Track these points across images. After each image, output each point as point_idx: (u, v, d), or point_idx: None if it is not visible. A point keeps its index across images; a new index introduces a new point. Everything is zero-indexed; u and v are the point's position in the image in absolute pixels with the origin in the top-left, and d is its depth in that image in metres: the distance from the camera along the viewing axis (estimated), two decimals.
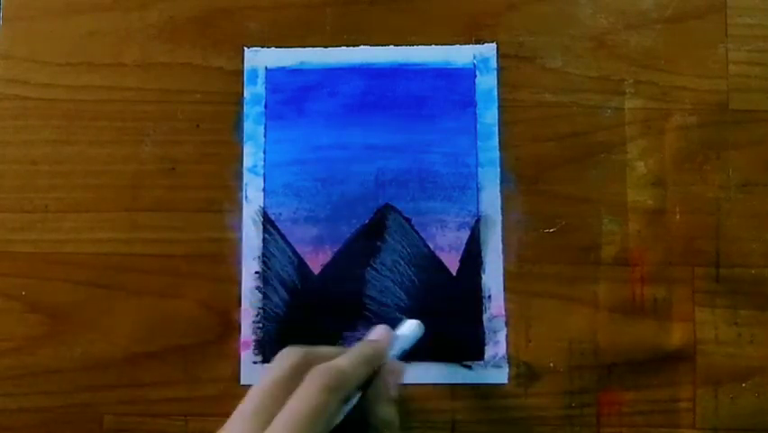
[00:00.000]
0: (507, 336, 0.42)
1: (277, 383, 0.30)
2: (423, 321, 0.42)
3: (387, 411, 0.33)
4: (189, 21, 0.45)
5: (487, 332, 0.43)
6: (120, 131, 0.44)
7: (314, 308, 0.43)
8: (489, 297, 0.43)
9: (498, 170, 0.43)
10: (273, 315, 0.43)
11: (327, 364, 0.31)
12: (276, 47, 0.45)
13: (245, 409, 0.30)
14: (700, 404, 0.42)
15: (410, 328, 0.38)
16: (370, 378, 0.34)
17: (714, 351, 0.42)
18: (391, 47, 0.45)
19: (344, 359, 0.32)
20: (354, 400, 0.33)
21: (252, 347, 0.42)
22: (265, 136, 0.44)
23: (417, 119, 0.44)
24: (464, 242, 0.43)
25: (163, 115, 0.44)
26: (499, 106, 0.44)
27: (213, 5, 0.45)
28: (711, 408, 0.42)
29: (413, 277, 0.43)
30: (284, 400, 0.30)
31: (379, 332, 0.36)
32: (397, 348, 0.37)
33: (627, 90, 0.44)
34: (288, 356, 0.32)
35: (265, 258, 0.43)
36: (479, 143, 0.44)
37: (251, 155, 0.44)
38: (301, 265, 0.43)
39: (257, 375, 0.42)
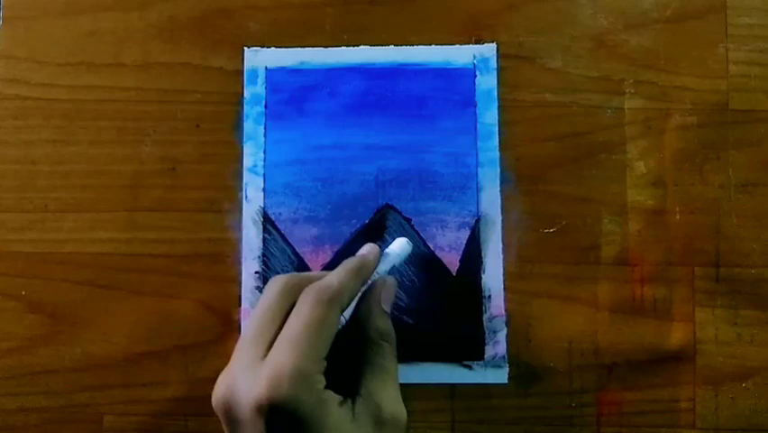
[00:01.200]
0: (507, 336, 0.42)
1: (272, 307, 0.32)
2: (423, 321, 0.42)
3: (381, 322, 0.35)
4: (189, 21, 0.45)
5: (487, 332, 0.43)
6: (120, 131, 0.44)
7: None
8: (489, 297, 0.43)
9: (498, 170, 0.43)
10: None
11: (317, 282, 0.33)
12: (276, 47, 0.45)
13: (246, 335, 0.32)
14: (700, 404, 0.42)
15: (399, 245, 0.39)
16: (364, 294, 0.35)
17: (714, 351, 0.42)
18: (391, 47, 0.45)
19: (333, 275, 0.34)
20: (347, 314, 0.34)
21: None
22: (265, 136, 0.44)
23: (417, 119, 0.44)
24: (464, 242, 0.43)
25: (163, 115, 0.44)
26: (499, 106, 0.44)
27: (213, 5, 0.45)
28: (711, 408, 0.42)
29: (413, 277, 0.43)
30: (281, 321, 0.31)
31: (366, 248, 0.37)
32: (386, 264, 0.38)
33: (627, 90, 0.44)
34: (277, 282, 0.33)
35: (265, 258, 0.43)
36: (479, 143, 0.44)
37: (251, 155, 0.44)
38: (301, 265, 0.43)
39: None
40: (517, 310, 0.43)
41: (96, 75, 0.45)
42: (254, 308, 0.33)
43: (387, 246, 0.39)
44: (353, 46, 0.45)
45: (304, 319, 0.31)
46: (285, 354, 0.30)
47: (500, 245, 0.43)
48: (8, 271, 0.43)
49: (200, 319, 0.43)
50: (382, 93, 0.44)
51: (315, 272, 0.35)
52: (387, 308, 0.35)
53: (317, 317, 0.31)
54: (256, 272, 0.43)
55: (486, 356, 0.42)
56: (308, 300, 0.32)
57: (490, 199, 0.43)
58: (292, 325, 0.31)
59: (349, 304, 0.34)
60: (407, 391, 0.42)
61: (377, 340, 0.34)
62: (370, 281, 0.36)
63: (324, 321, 0.31)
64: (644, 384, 0.42)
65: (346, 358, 0.33)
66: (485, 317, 0.43)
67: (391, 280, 0.37)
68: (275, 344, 0.31)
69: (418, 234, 0.43)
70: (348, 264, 0.35)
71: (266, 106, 0.44)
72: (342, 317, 0.33)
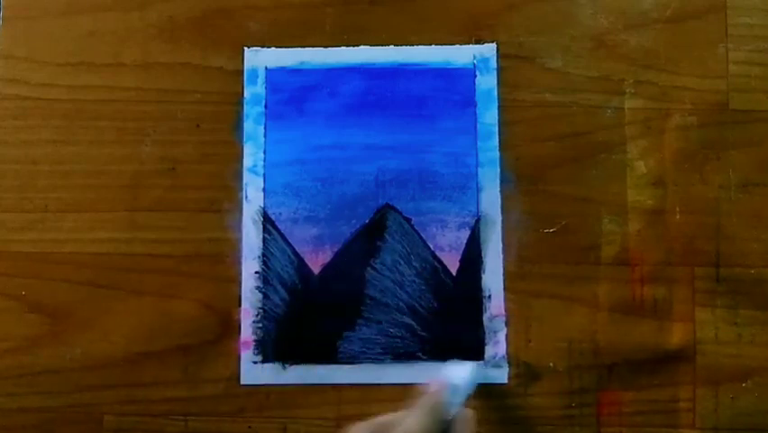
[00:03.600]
0: (507, 336, 0.42)
1: None
2: (423, 321, 0.42)
3: None
4: (189, 21, 0.45)
5: (487, 332, 0.42)
6: (120, 131, 0.44)
7: (314, 308, 0.43)
8: (489, 297, 0.43)
9: (498, 170, 0.43)
10: (273, 315, 0.43)
11: (398, 429, 0.33)
12: (276, 47, 0.45)
13: None
14: (700, 404, 0.42)
15: (466, 372, 0.39)
16: (445, 429, 0.35)
17: (714, 351, 0.42)
18: (391, 47, 0.45)
19: (411, 419, 0.34)
20: None
21: (252, 347, 0.42)
22: (265, 136, 0.44)
23: (417, 119, 0.44)
24: (464, 242, 0.43)
25: (163, 115, 0.44)
26: (499, 106, 0.44)
27: (213, 5, 0.45)
28: (711, 408, 0.42)
29: (413, 277, 0.43)
30: None
31: (435, 385, 0.37)
32: (460, 396, 0.37)
33: (627, 90, 0.44)
34: (359, 430, 0.33)
35: (265, 258, 0.43)
36: (479, 143, 0.44)
37: (251, 155, 0.44)
38: (301, 265, 0.43)
39: (257, 375, 0.42)
40: (517, 310, 0.43)
41: (96, 75, 0.45)
42: None
43: (451, 371, 0.39)
44: (353, 46, 0.45)
45: None
46: None
47: (500, 245, 0.43)
48: (8, 271, 0.43)
49: (200, 319, 0.43)
50: (382, 93, 0.44)
51: (392, 416, 0.35)
52: None
53: None
54: (256, 272, 0.43)
55: (486, 356, 0.42)
56: None
57: (490, 199, 0.43)
58: None
59: None
60: (407, 390, 0.42)
61: None
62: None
63: None
64: (644, 384, 0.42)
65: None
66: (485, 317, 0.43)
67: (470, 414, 0.37)
68: None
69: (418, 234, 0.43)
70: (423, 404, 0.35)
71: (266, 106, 0.44)
72: None
